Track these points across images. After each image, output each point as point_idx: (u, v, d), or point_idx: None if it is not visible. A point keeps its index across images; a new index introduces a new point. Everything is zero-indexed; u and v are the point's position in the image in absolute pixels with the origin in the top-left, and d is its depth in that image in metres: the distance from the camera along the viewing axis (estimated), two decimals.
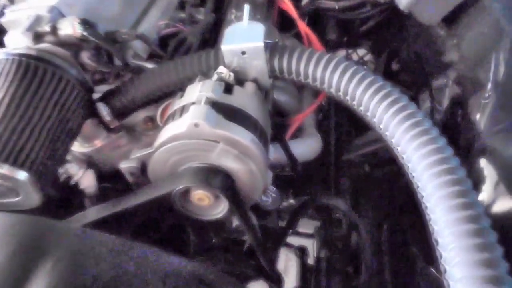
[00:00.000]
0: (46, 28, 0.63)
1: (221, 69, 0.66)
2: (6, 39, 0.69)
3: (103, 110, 0.70)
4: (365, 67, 0.85)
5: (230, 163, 0.59)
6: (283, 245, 1.03)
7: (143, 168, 0.63)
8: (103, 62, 0.69)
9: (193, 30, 0.88)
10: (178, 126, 0.58)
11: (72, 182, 0.73)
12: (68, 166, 0.72)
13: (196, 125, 0.56)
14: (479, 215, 0.44)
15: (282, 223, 0.93)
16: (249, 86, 0.66)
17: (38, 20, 0.65)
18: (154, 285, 0.45)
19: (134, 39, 0.77)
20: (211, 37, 0.93)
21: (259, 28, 0.66)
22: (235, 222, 0.69)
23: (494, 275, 0.40)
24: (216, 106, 0.59)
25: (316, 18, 1.19)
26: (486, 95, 0.78)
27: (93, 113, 0.70)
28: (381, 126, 0.58)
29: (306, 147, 0.94)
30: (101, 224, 0.66)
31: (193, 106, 0.58)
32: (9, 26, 0.72)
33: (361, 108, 0.60)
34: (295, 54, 0.65)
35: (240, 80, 0.67)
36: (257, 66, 0.66)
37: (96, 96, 0.70)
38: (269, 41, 0.65)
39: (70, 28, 0.62)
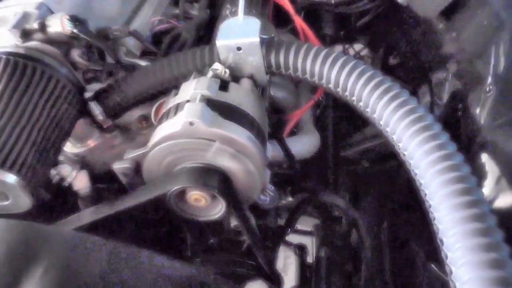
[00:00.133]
0: (34, 25, 0.61)
1: (216, 65, 0.64)
2: None
3: (96, 110, 0.68)
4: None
5: (227, 162, 0.57)
6: (282, 243, 1.02)
7: (137, 168, 0.62)
8: (94, 60, 0.67)
9: (187, 26, 0.86)
10: (172, 125, 0.56)
11: (65, 184, 0.71)
12: (61, 167, 0.71)
13: (191, 123, 0.54)
14: (485, 213, 0.43)
15: (281, 221, 0.92)
16: (245, 83, 0.65)
17: (25, 17, 0.62)
18: None
19: (126, 36, 0.75)
20: (206, 34, 0.91)
21: (255, 23, 0.64)
22: (233, 222, 0.68)
23: (502, 276, 0.38)
24: (212, 103, 0.57)
25: (312, 13, 1.17)
26: (487, 89, 0.77)
27: (85, 112, 0.68)
28: (382, 122, 0.56)
29: (304, 144, 0.92)
30: (96, 227, 0.64)
31: (187, 104, 0.57)
32: None
33: (361, 103, 0.59)
34: (292, 49, 0.63)
35: (236, 76, 0.66)
36: (253, 62, 0.65)
37: (88, 95, 0.68)
38: (265, 37, 0.64)
39: (59, 25, 0.60)
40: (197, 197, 0.58)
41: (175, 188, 0.57)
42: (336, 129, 1.10)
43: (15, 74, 0.57)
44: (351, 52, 1.32)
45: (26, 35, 0.61)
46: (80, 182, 0.72)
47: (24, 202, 0.57)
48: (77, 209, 0.71)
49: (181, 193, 0.59)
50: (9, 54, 0.58)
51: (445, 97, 0.90)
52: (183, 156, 0.58)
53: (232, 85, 0.63)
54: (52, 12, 0.66)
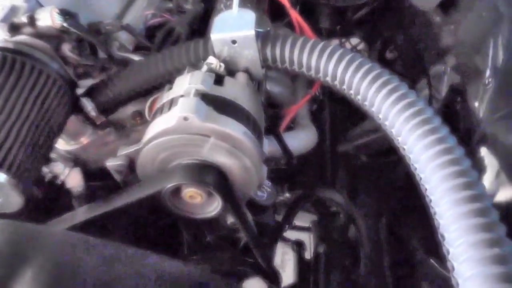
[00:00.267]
0: (23, 19, 0.59)
1: (211, 59, 0.63)
2: None
3: (88, 106, 0.67)
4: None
5: (223, 158, 0.56)
6: (280, 240, 1.01)
7: (131, 165, 0.60)
8: (86, 54, 0.66)
9: (181, 20, 0.85)
10: (166, 120, 0.55)
11: (58, 182, 0.70)
12: (53, 165, 0.69)
13: (185, 118, 0.53)
14: (487, 208, 0.42)
15: (278, 217, 0.91)
16: (241, 77, 0.64)
17: (13, 10, 0.61)
18: None
19: (119, 30, 0.74)
20: (200, 28, 0.90)
21: (250, 16, 0.63)
22: (230, 219, 0.67)
23: (506, 272, 0.38)
24: (206, 98, 0.56)
25: (308, 7, 1.16)
26: (486, 81, 0.76)
27: (77, 109, 0.67)
28: (380, 116, 0.55)
29: (301, 139, 0.91)
30: (90, 225, 0.63)
31: (182, 99, 0.55)
32: None
33: (359, 97, 0.58)
34: (288, 42, 0.62)
35: (231, 70, 0.64)
36: (249, 55, 0.63)
37: (80, 91, 0.67)
38: (260, 30, 0.62)
39: (48, 18, 0.59)
40: (192, 194, 0.56)
41: (170, 185, 0.55)
42: (333, 124, 1.09)
43: (3, 69, 0.55)
44: (348, 46, 1.31)
45: (14, 29, 0.59)
46: (73, 180, 0.71)
47: (15, 201, 0.55)
48: (70, 208, 0.70)
49: (176, 190, 0.58)
50: None
51: (444, 90, 0.89)
52: (178, 152, 0.57)
53: (227, 79, 0.61)
54: (41, 5, 0.64)
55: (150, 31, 0.85)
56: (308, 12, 1.16)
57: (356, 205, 1.01)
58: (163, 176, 0.58)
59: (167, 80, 0.66)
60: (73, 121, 0.69)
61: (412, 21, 1.03)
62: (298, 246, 1.05)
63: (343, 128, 1.12)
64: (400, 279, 0.92)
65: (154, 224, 0.80)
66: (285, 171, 0.93)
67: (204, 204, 0.59)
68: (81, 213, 0.62)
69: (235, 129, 0.55)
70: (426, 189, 0.48)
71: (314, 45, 0.61)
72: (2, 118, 0.54)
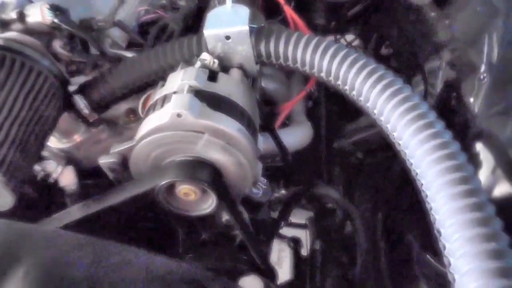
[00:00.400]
0: (12, 15, 0.58)
1: (205, 55, 0.62)
2: None
3: (81, 103, 0.66)
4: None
5: (217, 155, 0.56)
6: (276, 237, 1.01)
7: (124, 163, 0.60)
8: (77, 51, 0.65)
9: (175, 17, 0.84)
10: (159, 117, 0.54)
11: (51, 180, 0.69)
12: (46, 163, 0.68)
13: (178, 115, 0.53)
14: (484, 202, 0.41)
15: (274, 215, 0.90)
16: (235, 73, 0.63)
17: (2, 6, 0.60)
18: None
19: (111, 26, 0.73)
20: (193, 24, 0.89)
21: (244, 12, 0.62)
22: (225, 216, 0.66)
23: (502, 266, 0.37)
24: (200, 94, 0.55)
25: (303, 3, 1.15)
26: (481, 76, 0.76)
27: (70, 106, 0.66)
28: (375, 111, 0.55)
29: (296, 136, 0.91)
30: (83, 224, 0.62)
31: (175, 96, 0.55)
32: None
33: (354, 92, 0.57)
34: (282, 37, 0.61)
35: (225, 66, 0.64)
36: (243, 51, 0.63)
37: (72, 88, 0.66)
38: (254, 25, 0.62)
39: (39, 14, 0.58)
40: (186, 191, 0.56)
41: (164, 182, 0.55)
42: (329, 120, 1.09)
43: None
44: (343, 43, 1.30)
45: (3, 25, 0.59)
46: (67, 178, 0.70)
47: (7, 200, 0.54)
48: (64, 206, 0.69)
49: (170, 188, 0.57)
50: None
51: (439, 86, 0.89)
52: (171, 149, 0.56)
53: (221, 76, 0.61)
54: (31, 1, 0.63)
55: (143, 28, 0.84)
56: (302, 9, 1.15)
57: (352, 201, 1.01)
58: (156, 173, 0.57)
59: (160, 77, 0.65)
60: (65, 119, 0.68)
61: (407, 16, 1.03)
62: (295, 243, 1.05)
63: (339, 124, 1.12)
64: (396, 275, 0.92)
65: (149, 221, 0.80)
66: (281, 168, 0.93)
67: (198, 201, 0.58)
68: (74, 212, 0.62)
69: (229, 126, 0.55)
70: (422, 184, 0.47)
71: (308, 40, 0.60)
72: None
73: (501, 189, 0.64)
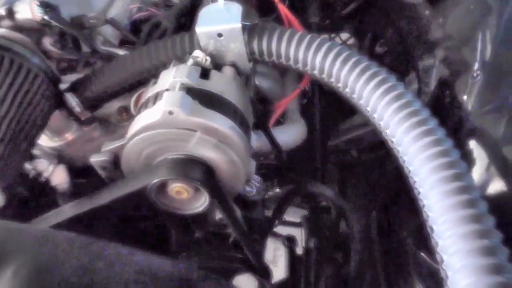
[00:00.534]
0: (1, 11, 0.57)
1: (197, 53, 0.61)
2: None
3: (72, 101, 0.65)
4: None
5: (209, 153, 0.55)
6: (271, 235, 1.00)
7: (115, 161, 0.59)
8: (68, 49, 0.64)
9: (168, 14, 0.83)
10: (151, 115, 0.54)
11: (42, 179, 0.68)
12: (37, 162, 0.68)
13: (170, 112, 0.52)
14: (476, 199, 0.41)
15: (269, 213, 0.90)
16: (227, 71, 0.63)
17: None
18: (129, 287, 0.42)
19: (103, 24, 0.72)
20: (187, 22, 0.88)
21: (236, 9, 0.62)
22: (218, 215, 0.66)
23: (495, 263, 0.37)
24: (192, 92, 0.55)
25: (297, 1, 1.15)
26: (474, 74, 0.76)
27: (61, 104, 0.65)
28: (368, 109, 0.55)
29: (290, 134, 0.91)
30: (75, 223, 0.62)
31: (166, 93, 0.54)
32: None
33: (347, 90, 0.57)
34: (275, 35, 0.61)
35: (217, 64, 0.63)
36: (235, 49, 0.62)
37: (64, 86, 0.65)
38: (247, 23, 0.61)
39: (28, 11, 0.57)
40: (179, 189, 0.55)
41: (156, 180, 0.54)
42: (323, 118, 1.09)
43: None
44: (338, 41, 1.30)
45: None
46: (58, 177, 0.69)
47: None
48: (55, 206, 0.69)
49: (162, 186, 0.57)
50: None
51: (433, 84, 0.89)
52: (163, 147, 0.56)
53: (214, 73, 0.60)
54: None
55: (136, 26, 0.83)
56: (297, 7, 1.15)
57: (346, 199, 1.00)
58: (148, 171, 0.56)
59: (152, 75, 0.64)
60: (57, 117, 0.67)
61: (401, 14, 1.03)
62: (290, 242, 1.04)
63: (334, 122, 1.12)
64: (390, 272, 0.92)
65: (142, 220, 0.79)
66: (275, 166, 0.93)
67: (191, 199, 0.58)
68: (66, 211, 0.61)
69: (222, 123, 0.54)
70: (415, 182, 0.47)
71: (301, 37, 0.60)
72: None
73: (494, 186, 0.64)
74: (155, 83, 0.60)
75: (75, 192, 0.70)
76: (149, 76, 0.65)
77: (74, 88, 0.66)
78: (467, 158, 0.67)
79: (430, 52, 0.91)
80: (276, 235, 1.05)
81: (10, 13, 0.57)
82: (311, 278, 0.91)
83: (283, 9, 0.92)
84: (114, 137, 0.73)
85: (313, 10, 1.20)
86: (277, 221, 0.89)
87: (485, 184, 0.64)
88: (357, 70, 0.55)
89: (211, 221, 0.69)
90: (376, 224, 0.97)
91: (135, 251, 0.45)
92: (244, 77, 0.67)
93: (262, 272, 0.72)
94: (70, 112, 0.67)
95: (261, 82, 0.94)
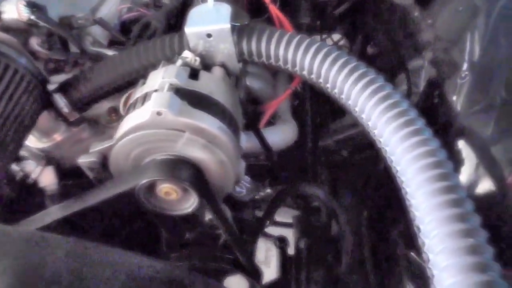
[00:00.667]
0: None
1: (186, 53, 0.61)
2: None
3: (60, 102, 0.65)
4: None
5: (198, 153, 0.55)
6: (263, 236, 1.00)
7: (104, 162, 0.59)
8: (56, 49, 0.63)
9: (157, 15, 0.83)
10: (139, 116, 0.54)
11: (30, 181, 0.68)
12: (25, 164, 0.67)
13: (158, 113, 0.52)
14: (462, 198, 0.42)
15: (261, 214, 0.90)
16: (217, 71, 0.62)
17: None
18: None
19: (92, 24, 0.72)
20: (177, 22, 0.88)
21: (225, 9, 0.62)
22: (208, 215, 0.66)
23: (480, 262, 0.37)
24: (181, 92, 0.55)
25: (288, 2, 1.15)
26: (463, 75, 0.76)
27: (49, 105, 0.65)
28: (357, 109, 0.55)
29: (281, 134, 0.91)
30: (64, 224, 0.61)
31: (155, 94, 0.54)
32: None
33: (335, 91, 0.57)
34: (264, 35, 0.61)
35: (207, 65, 0.63)
36: (225, 49, 0.62)
37: (52, 87, 0.65)
38: (236, 23, 0.61)
39: (15, 11, 0.56)
40: (167, 190, 0.55)
41: (144, 181, 0.54)
42: (314, 119, 1.09)
43: None
44: (329, 42, 1.30)
45: None
46: (46, 178, 0.69)
47: None
48: (44, 207, 0.68)
49: (151, 187, 0.56)
50: None
51: (422, 84, 0.89)
52: (152, 148, 0.55)
53: (203, 74, 0.60)
54: None
55: (125, 26, 0.83)
56: (288, 8, 1.15)
57: (337, 199, 1.01)
58: (137, 172, 0.56)
59: (142, 75, 0.64)
60: (45, 118, 0.67)
61: (391, 15, 1.03)
62: (281, 242, 1.04)
63: (324, 123, 1.12)
64: (381, 273, 0.93)
65: (133, 221, 0.79)
66: (266, 166, 0.93)
67: (180, 200, 0.57)
68: (54, 212, 0.60)
69: (210, 124, 0.54)
70: (402, 182, 0.47)
71: (290, 38, 0.60)
72: None
73: (483, 186, 0.64)
74: (144, 83, 0.60)
75: (64, 194, 0.70)
76: (138, 76, 0.65)
77: (63, 88, 0.66)
78: (456, 158, 0.67)
79: (419, 52, 0.92)
80: (268, 236, 1.05)
81: None
82: (302, 278, 0.91)
83: (274, 10, 0.92)
84: (104, 138, 0.72)
85: (304, 11, 1.20)
86: (268, 222, 0.89)
87: (473, 184, 0.64)
88: (346, 70, 0.55)
89: (201, 222, 0.69)
90: (367, 224, 0.98)
91: (125, 252, 0.45)
92: (234, 78, 0.67)
93: (253, 273, 0.72)
94: (59, 113, 0.66)
95: (252, 83, 0.94)
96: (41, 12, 0.58)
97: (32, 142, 0.70)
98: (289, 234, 1.08)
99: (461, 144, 0.70)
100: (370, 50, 1.27)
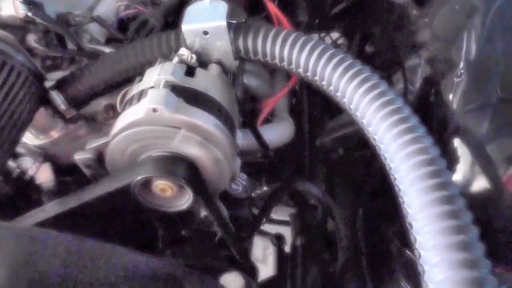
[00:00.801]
0: None
1: (182, 50, 0.62)
2: None
3: (57, 99, 0.65)
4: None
5: (193, 150, 0.55)
6: (259, 234, 1.01)
7: (100, 159, 0.59)
8: (53, 46, 0.64)
9: (155, 12, 0.83)
10: (135, 112, 0.54)
11: (27, 177, 0.68)
12: (21, 160, 0.67)
13: (154, 110, 0.52)
14: (454, 195, 0.42)
15: (257, 211, 0.90)
16: (213, 68, 0.63)
17: None
18: (113, 285, 0.42)
19: (89, 21, 0.72)
20: (175, 20, 0.88)
21: (222, 7, 0.62)
22: (203, 212, 0.66)
23: (471, 258, 0.38)
24: (177, 89, 0.55)
25: (286, 0, 1.15)
26: (459, 73, 0.77)
27: (46, 102, 0.65)
28: (352, 107, 0.55)
29: (278, 132, 0.91)
30: (60, 222, 0.61)
31: (151, 90, 0.54)
32: None
33: (331, 88, 0.57)
34: (261, 33, 0.61)
35: (203, 62, 0.64)
36: (221, 47, 0.63)
37: (49, 84, 0.65)
38: (232, 21, 0.61)
39: (11, 8, 0.57)
40: (163, 187, 0.55)
41: (139, 178, 0.54)
42: (311, 117, 1.09)
43: None
44: (328, 40, 1.31)
45: None
46: (43, 175, 0.69)
47: None
48: (40, 204, 0.68)
49: (147, 183, 0.57)
50: None
51: (418, 83, 0.89)
52: (148, 145, 0.56)
53: (199, 71, 0.60)
54: None
55: (123, 23, 0.83)
56: (286, 6, 1.15)
57: (333, 197, 1.01)
58: (132, 169, 0.56)
59: (139, 72, 0.64)
60: (42, 115, 0.67)
61: (389, 14, 1.03)
62: (278, 240, 1.05)
63: (321, 121, 1.12)
64: (377, 270, 0.93)
65: (129, 218, 0.79)
66: (263, 164, 0.93)
67: (175, 197, 0.58)
68: (50, 209, 0.61)
69: (206, 121, 0.54)
70: (395, 179, 0.48)
71: (286, 36, 0.60)
72: None
73: (478, 184, 0.65)
74: (140, 80, 0.60)
75: (60, 190, 0.70)
76: (135, 73, 0.65)
77: (60, 85, 0.66)
78: (451, 156, 0.68)
79: (416, 51, 0.92)
80: (265, 234, 1.05)
81: None
82: (298, 276, 0.91)
83: (272, 8, 0.92)
84: (101, 135, 0.72)
85: (303, 9, 1.20)
86: (264, 219, 0.89)
87: (469, 182, 0.65)
88: (341, 68, 0.56)
89: (197, 219, 0.70)
90: (362, 222, 0.98)
91: (120, 248, 0.45)
92: (231, 75, 0.68)
93: (248, 270, 0.72)
94: (56, 110, 0.67)
95: (250, 80, 0.94)
96: (38, 9, 0.59)
97: (29, 139, 0.71)
98: (287, 232, 1.08)
99: (457, 142, 0.70)
100: (368, 48, 1.27)
